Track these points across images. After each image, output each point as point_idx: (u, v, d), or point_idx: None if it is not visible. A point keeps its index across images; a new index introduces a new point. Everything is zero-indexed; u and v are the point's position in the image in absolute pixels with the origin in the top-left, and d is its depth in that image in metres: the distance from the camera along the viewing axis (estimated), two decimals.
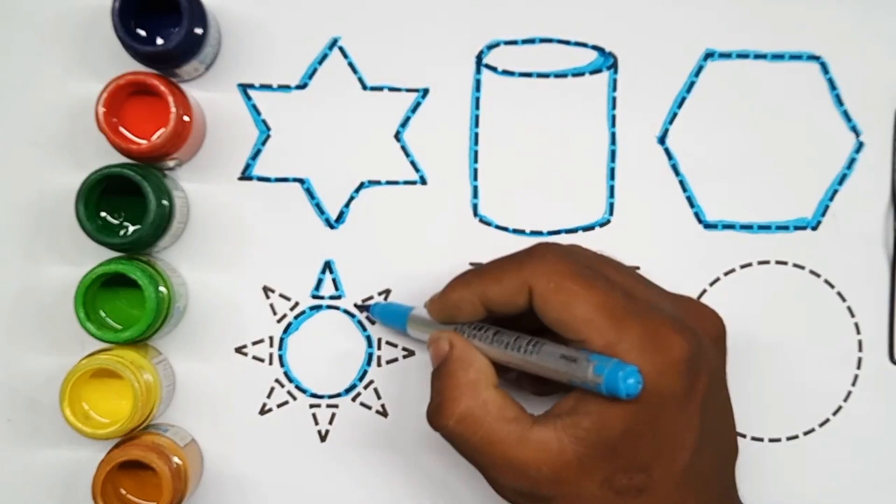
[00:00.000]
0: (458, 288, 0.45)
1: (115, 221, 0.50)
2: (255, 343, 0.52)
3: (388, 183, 0.52)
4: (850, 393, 0.52)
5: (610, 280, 0.42)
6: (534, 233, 0.52)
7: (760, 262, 0.53)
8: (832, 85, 0.53)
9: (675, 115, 0.53)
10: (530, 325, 0.43)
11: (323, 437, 0.52)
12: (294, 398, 0.52)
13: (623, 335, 0.40)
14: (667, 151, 0.53)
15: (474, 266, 0.46)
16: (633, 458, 0.40)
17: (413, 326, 0.49)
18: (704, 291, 0.52)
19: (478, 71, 0.52)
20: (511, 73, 0.52)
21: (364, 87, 0.52)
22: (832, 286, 0.52)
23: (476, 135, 0.52)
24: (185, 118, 0.48)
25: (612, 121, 0.52)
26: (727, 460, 0.45)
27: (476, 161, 0.52)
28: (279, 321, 0.52)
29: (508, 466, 0.41)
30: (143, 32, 0.49)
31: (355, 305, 0.52)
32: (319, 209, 0.52)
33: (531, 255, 0.43)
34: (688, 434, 0.41)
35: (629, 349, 0.40)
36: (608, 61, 0.52)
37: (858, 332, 0.52)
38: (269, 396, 0.52)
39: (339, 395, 0.52)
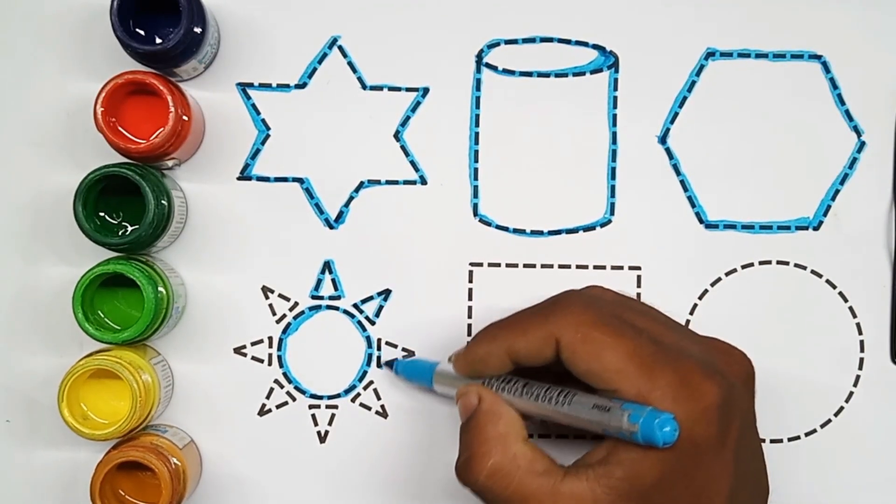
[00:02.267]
0: (483, 342, 0.45)
1: (114, 221, 0.50)
2: (254, 343, 0.52)
3: (388, 183, 0.52)
4: (851, 393, 0.52)
5: (637, 327, 0.42)
6: (534, 233, 0.52)
7: (762, 263, 0.52)
8: (834, 84, 0.52)
9: (676, 114, 0.52)
10: (555, 373, 0.43)
11: (322, 438, 0.52)
12: (293, 399, 0.52)
13: (655, 383, 0.40)
14: (668, 151, 0.52)
15: (494, 323, 0.45)
16: None
17: (439, 382, 0.48)
18: (706, 291, 0.52)
19: (478, 70, 0.52)
20: (511, 73, 0.52)
21: (364, 87, 0.52)
22: (834, 286, 0.52)
23: (476, 134, 0.52)
24: (184, 118, 0.48)
25: (613, 120, 0.52)
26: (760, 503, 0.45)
27: (476, 161, 0.52)
28: (278, 321, 0.52)
29: None
30: (141, 32, 0.49)
31: (379, 364, 0.52)
32: (319, 209, 0.52)
33: (556, 305, 0.43)
34: (722, 481, 0.41)
35: (662, 397, 0.39)
36: (609, 60, 0.52)
37: (860, 333, 0.52)
38: (268, 397, 0.52)
39: (338, 395, 0.52)
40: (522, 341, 0.43)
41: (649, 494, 0.39)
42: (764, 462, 0.45)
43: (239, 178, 0.52)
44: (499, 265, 0.52)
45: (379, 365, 0.52)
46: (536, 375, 0.44)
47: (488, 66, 0.52)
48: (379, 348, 0.52)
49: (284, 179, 0.52)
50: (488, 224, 0.52)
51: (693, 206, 0.52)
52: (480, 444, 0.43)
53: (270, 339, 0.52)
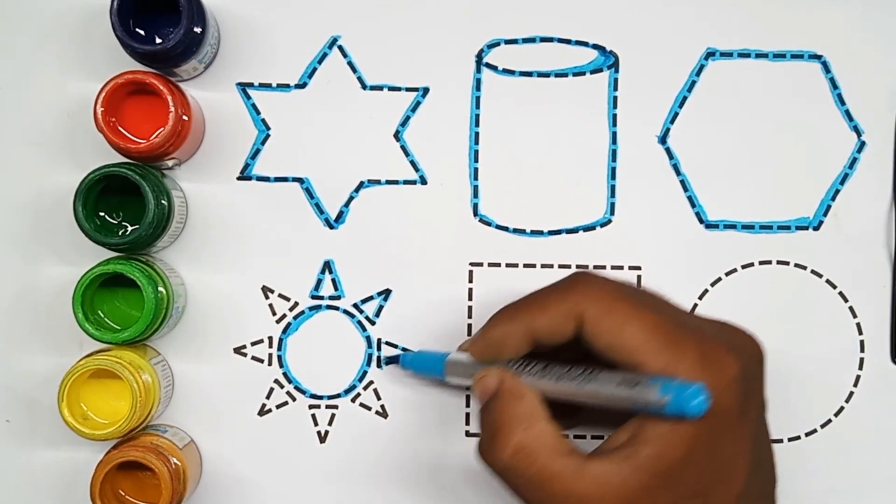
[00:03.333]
0: (501, 323, 0.44)
1: (114, 221, 0.50)
2: (254, 343, 0.52)
3: (388, 182, 0.52)
4: (851, 393, 0.52)
5: (657, 303, 0.42)
6: (534, 233, 0.52)
7: (762, 263, 0.52)
8: (834, 84, 0.52)
9: (676, 114, 0.52)
10: (570, 358, 0.43)
11: (322, 438, 0.52)
12: (293, 399, 0.52)
13: (680, 357, 0.39)
14: (668, 151, 0.52)
15: (506, 306, 0.45)
16: (695, 484, 0.39)
17: (452, 372, 0.47)
18: (706, 291, 0.52)
19: (478, 70, 0.52)
20: (511, 73, 0.52)
21: (364, 87, 0.52)
22: (834, 286, 0.52)
23: (476, 134, 0.52)
24: (184, 118, 0.48)
25: (613, 120, 0.52)
26: (771, 489, 0.45)
27: (476, 161, 0.52)
28: (278, 321, 0.52)
29: (567, 501, 0.40)
30: (141, 31, 0.49)
31: (382, 360, 0.51)
32: (319, 209, 0.52)
33: (576, 281, 0.42)
34: (742, 455, 0.40)
35: (688, 370, 0.39)
36: (609, 60, 0.52)
37: (860, 333, 0.52)
38: (268, 397, 0.52)
39: (338, 395, 0.52)
40: (543, 318, 0.42)
41: (676, 470, 0.39)
42: (773, 451, 0.45)
43: (239, 178, 0.52)
44: (499, 265, 0.52)
45: (379, 364, 0.52)
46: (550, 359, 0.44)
47: (488, 66, 0.52)
48: (379, 348, 0.52)
49: (284, 179, 0.52)
50: (488, 224, 0.52)
51: (693, 206, 0.52)
52: (504, 423, 0.41)
53: (270, 339, 0.52)
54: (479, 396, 0.44)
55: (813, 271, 0.52)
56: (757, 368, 0.43)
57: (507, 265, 0.52)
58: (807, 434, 0.52)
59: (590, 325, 0.41)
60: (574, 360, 0.42)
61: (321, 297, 0.52)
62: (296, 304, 0.52)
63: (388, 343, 0.52)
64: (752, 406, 0.41)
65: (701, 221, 0.52)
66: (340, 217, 0.52)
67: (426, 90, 0.52)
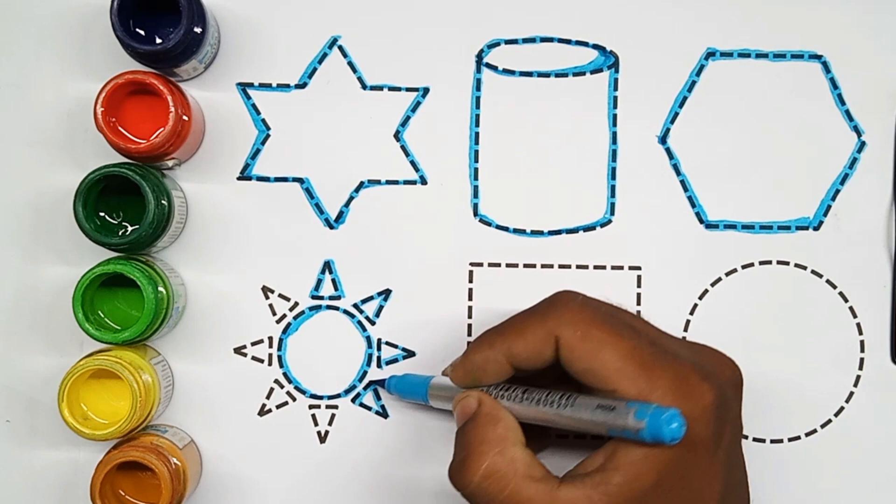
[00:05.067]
0: (481, 348, 0.44)
1: (114, 221, 0.50)
2: (254, 343, 0.52)
3: (388, 183, 0.52)
4: (852, 394, 0.52)
5: (634, 327, 0.42)
6: (534, 233, 0.52)
7: (762, 263, 0.52)
8: (834, 84, 0.52)
9: (676, 114, 0.52)
10: (549, 382, 0.43)
11: (322, 438, 0.52)
12: (293, 399, 0.52)
13: (655, 383, 0.39)
14: (668, 151, 0.52)
15: (482, 333, 0.45)
16: None
17: (435, 396, 0.47)
18: (706, 291, 0.52)
19: (478, 70, 0.52)
20: (512, 73, 0.52)
21: (364, 87, 0.52)
22: (834, 286, 0.52)
23: (476, 134, 0.52)
24: (184, 118, 0.48)
25: (613, 120, 0.52)
26: None
27: (476, 161, 0.52)
28: (278, 321, 0.52)
29: None
30: (141, 31, 0.49)
31: (369, 383, 0.51)
32: (319, 209, 0.52)
33: (553, 304, 0.43)
34: (715, 483, 0.40)
35: (662, 396, 0.39)
36: (609, 60, 0.52)
37: (860, 333, 0.52)
38: (268, 397, 0.52)
39: (338, 395, 0.52)
40: (521, 343, 0.42)
41: (648, 498, 0.39)
42: (746, 473, 0.45)
43: (239, 178, 0.52)
44: (499, 265, 0.52)
45: (379, 364, 0.52)
46: (532, 384, 0.44)
47: (488, 66, 0.52)
48: (379, 348, 0.52)
49: (284, 179, 0.52)
50: (488, 224, 0.52)
51: (693, 206, 0.52)
52: (477, 446, 0.42)
53: (270, 339, 0.52)
54: (458, 418, 0.44)
55: (813, 271, 0.52)
56: (733, 393, 0.44)
57: (507, 265, 0.52)
58: (807, 434, 0.52)
59: (566, 350, 0.41)
60: (557, 383, 0.43)
61: (321, 297, 0.52)
62: (296, 304, 0.52)
63: (388, 343, 0.52)
64: (725, 433, 0.41)
65: (701, 221, 0.52)
66: (340, 217, 0.52)
67: (426, 90, 0.52)
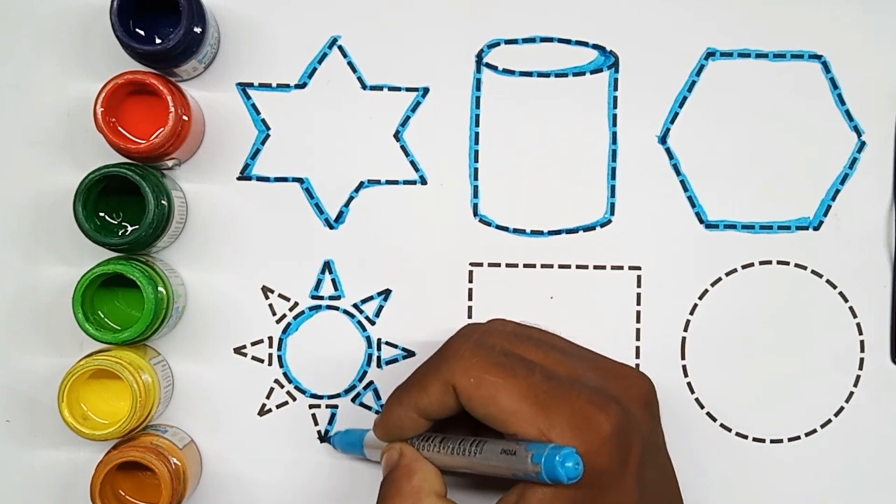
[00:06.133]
0: (393, 408, 0.45)
1: (114, 221, 0.50)
2: (254, 343, 0.52)
3: (388, 183, 0.52)
4: (851, 394, 0.52)
5: (529, 364, 0.43)
6: (534, 233, 0.52)
7: (762, 263, 0.52)
8: (834, 84, 0.52)
9: (676, 114, 0.52)
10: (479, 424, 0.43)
11: (322, 438, 0.52)
12: (293, 399, 0.52)
13: (551, 421, 0.40)
14: (668, 151, 0.52)
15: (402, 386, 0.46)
16: None
17: (370, 449, 0.49)
18: (706, 291, 0.52)
19: (478, 70, 0.52)
20: (511, 73, 0.52)
21: (364, 87, 0.52)
22: (834, 286, 0.52)
23: (476, 134, 0.52)
24: (184, 118, 0.48)
25: (613, 120, 0.52)
26: None
27: (476, 161, 0.52)
28: (278, 321, 0.52)
29: None
30: (141, 31, 0.49)
31: (320, 439, 0.52)
32: (319, 209, 0.52)
33: (445, 354, 0.44)
34: None
35: (560, 434, 0.40)
36: (609, 60, 0.52)
37: (860, 333, 0.52)
38: (268, 397, 0.52)
39: (338, 395, 0.52)
40: (425, 398, 0.44)
41: None
42: (675, 480, 0.46)
43: (239, 178, 0.52)
44: (499, 265, 0.52)
45: (379, 364, 0.52)
46: (462, 424, 0.45)
47: (488, 66, 0.52)
48: (379, 348, 0.52)
49: (284, 179, 0.52)
50: (488, 224, 0.52)
51: (693, 206, 0.52)
52: (392, 497, 0.43)
53: (270, 339, 0.52)
54: (383, 470, 0.46)
55: (813, 271, 0.52)
56: (641, 411, 0.44)
57: (507, 265, 0.52)
58: (807, 434, 0.52)
59: (464, 399, 0.42)
60: (478, 428, 0.43)
61: (321, 297, 0.52)
62: (296, 304, 0.52)
63: (388, 343, 0.52)
64: (632, 455, 0.41)
65: (701, 221, 0.52)
66: (340, 217, 0.52)
67: (426, 90, 0.52)
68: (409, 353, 0.52)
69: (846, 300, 0.52)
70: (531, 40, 0.52)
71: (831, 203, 0.52)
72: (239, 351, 0.52)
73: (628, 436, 0.41)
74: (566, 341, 0.48)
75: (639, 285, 0.52)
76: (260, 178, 0.52)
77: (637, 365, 0.52)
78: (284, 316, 0.52)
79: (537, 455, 0.39)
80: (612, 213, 0.52)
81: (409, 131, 0.52)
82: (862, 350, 0.52)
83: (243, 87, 0.52)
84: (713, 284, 0.52)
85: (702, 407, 0.52)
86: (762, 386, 0.52)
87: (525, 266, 0.52)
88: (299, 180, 0.52)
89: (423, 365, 0.45)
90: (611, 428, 0.40)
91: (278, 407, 0.52)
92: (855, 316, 0.52)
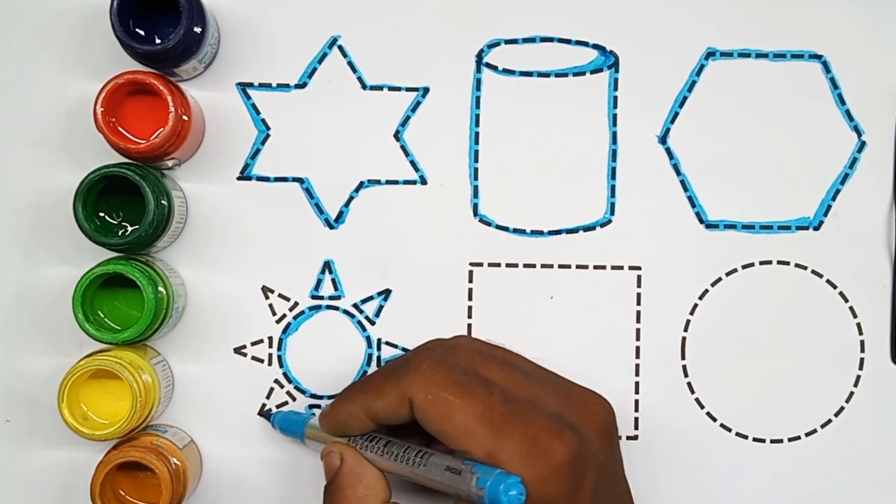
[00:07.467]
0: (344, 404, 0.46)
1: (114, 222, 0.50)
2: (254, 343, 0.52)
3: (388, 182, 0.52)
4: (852, 394, 0.52)
5: (489, 385, 0.42)
6: (534, 233, 0.52)
7: (762, 263, 0.52)
8: (834, 84, 0.52)
9: (676, 114, 0.52)
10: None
11: (262, 413, 0.52)
12: (293, 399, 0.52)
13: (503, 444, 0.40)
14: (668, 151, 0.52)
15: (360, 380, 0.47)
16: None
17: (311, 437, 0.48)
18: (706, 291, 0.52)
19: (478, 70, 0.52)
20: (511, 73, 0.52)
21: (364, 87, 0.52)
22: (834, 286, 0.52)
23: (476, 134, 0.52)
24: (184, 118, 0.48)
25: (613, 120, 0.52)
26: None
27: (476, 161, 0.52)
28: (278, 321, 0.52)
29: None
30: (141, 31, 0.49)
31: (260, 414, 0.51)
32: (319, 209, 0.52)
33: (408, 365, 0.44)
34: None
35: (510, 459, 0.40)
36: (609, 60, 0.52)
37: (861, 333, 0.52)
38: (268, 397, 0.52)
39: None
40: (379, 403, 0.44)
41: None
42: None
43: (239, 178, 0.52)
44: (499, 265, 0.52)
45: (379, 364, 0.52)
46: (410, 435, 0.45)
47: (488, 65, 0.52)
48: (379, 348, 0.52)
49: (284, 179, 0.52)
50: (488, 224, 0.52)
51: (693, 206, 0.52)
52: None
53: (270, 338, 0.52)
54: (325, 474, 0.46)
55: (813, 271, 0.52)
56: (599, 439, 0.44)
57: (507, 265, 0.52)
58: (807, 434, 0.52)
59: (419, 413, 0.42)
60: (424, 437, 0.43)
61: (321, 297, 0.52)
62: (296, 304, 0.52)
63: (388, 343, 0.52)
64: (585, 484, 0.41)
65: (701, 221, 0.52)
66: (340, 217, 0.52)
67: (426, 90, 0.52)
68: None
69: (846, 300, 0.52)
70: (531, 40, 0.52)
71: (831, 203, 0.52)
72: (239, 351, 0.52)
73: (583, 464, 0.41)
74: (530, 363, 0.48)
75: (639, 285, 0.52)
76: (260, 178, 0.52)
77: (637, 365, 0.52)
78: (284, 316, 0.52)
79: (482, 479, 0.39)
80: (612, 212, 0.52)
81: (409, 131, 0.52)
82: (862, 350, 0.52)
83: (243, 87, 0.52)
84: (713, 284, 0.52)
85: (702, 407, 0.52)
86: (762, 386, 0.52)
87: (525, 266, 0.52)
88: (299, 180, 0.52)
89: (383, 369, 0.45)
90: (563, 456, 0.40)
91: (278, 407, 0.52)
92: (855, 316, 0.52)
